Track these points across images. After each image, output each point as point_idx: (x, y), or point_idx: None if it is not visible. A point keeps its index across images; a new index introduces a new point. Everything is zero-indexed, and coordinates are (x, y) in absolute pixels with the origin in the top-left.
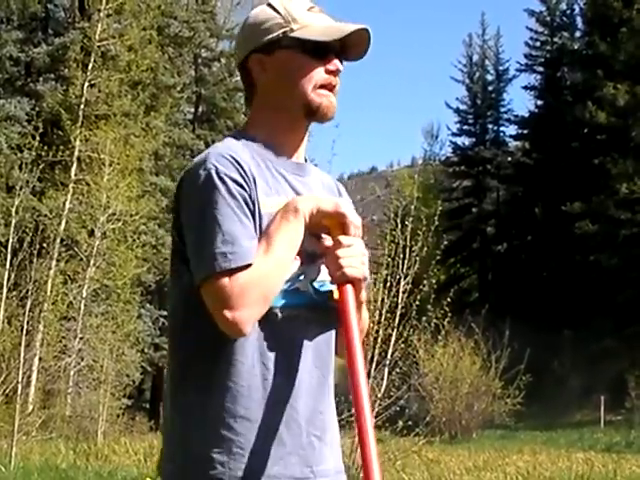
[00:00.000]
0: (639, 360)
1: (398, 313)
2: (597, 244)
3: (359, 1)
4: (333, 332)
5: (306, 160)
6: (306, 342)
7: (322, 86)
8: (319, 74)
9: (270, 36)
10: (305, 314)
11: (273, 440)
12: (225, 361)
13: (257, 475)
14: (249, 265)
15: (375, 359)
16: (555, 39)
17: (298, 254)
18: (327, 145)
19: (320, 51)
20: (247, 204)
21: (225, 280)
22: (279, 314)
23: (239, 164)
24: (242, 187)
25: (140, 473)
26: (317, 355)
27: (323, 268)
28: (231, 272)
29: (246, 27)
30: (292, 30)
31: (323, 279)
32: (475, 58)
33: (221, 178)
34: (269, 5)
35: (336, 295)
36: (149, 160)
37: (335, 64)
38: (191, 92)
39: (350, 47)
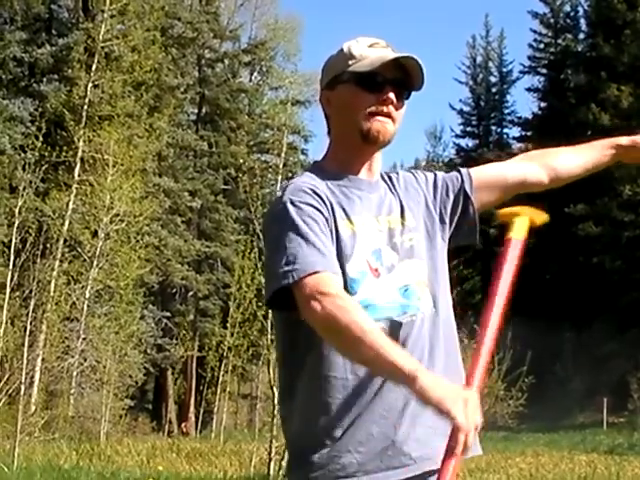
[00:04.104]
0: None
1: None
2: (600, 246)
3: (362, 2)
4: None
5: (389, 175)
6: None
7: (374, 114)
8: (370, 103)
9: (333, 74)
10: (394, 322)
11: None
12: (319, 377)
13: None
14: (315, 272)
15: None
16: (559, 41)
17: (375, 269)
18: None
19: (371, 82)
20: (324, 223)
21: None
22: None
23: (315, 192)
24: (318, 210)
25: (143, 474)
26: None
27: (399, 272)
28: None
29: (322, 69)
30: (348, 66)
31: (405, 283)
32: (479, 60)
33: (296, 206)
34: (340, 48)
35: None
36: (152, 161)
37: (386, 94)
38: (194, 93)
39: (413, 77)
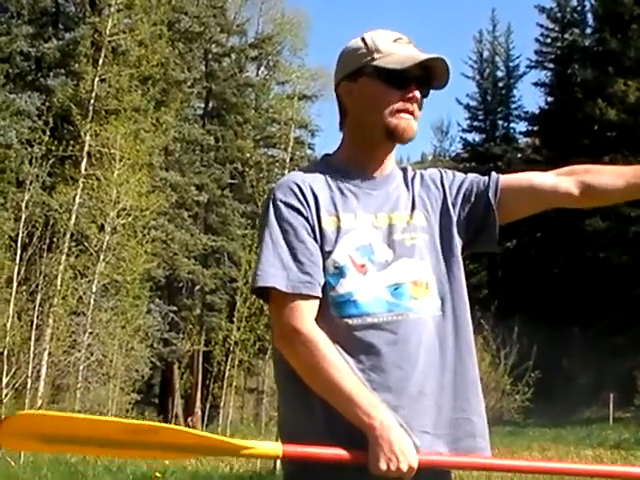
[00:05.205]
0: None
1: None
2: (607, 241)
3: None
4: (422, 331)
5: (404, 170)
6: (385, 346)
7: (399, 111)
8: (396, 100)
9: (356, 65)
10: (377, 320)
11: None
12: None
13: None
14: (272, 288)
15: None
16: (566, 35)
17: (361, 265)
18: (337, 143)
19: (398, 79)
20: (303, 225)
21: (277, 298)
22: (349, 323)
23: (300, 189)
24: (297, 210)
25: (149, 468)
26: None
27: (393, 270)
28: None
29: (340, 57)
30: (374, 59)
31: (397, 282)
32: (485, 54)
33: (276, 205)
34: (361, 38)
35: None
36: (159, 155)
37: (412, 92)
38: (201, 87)
39: (435, 76)
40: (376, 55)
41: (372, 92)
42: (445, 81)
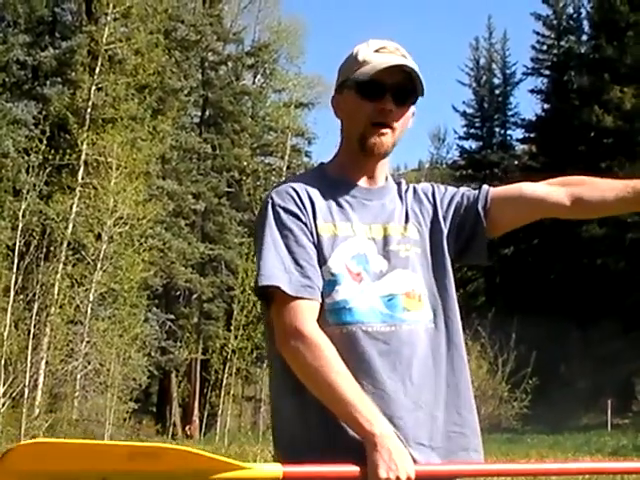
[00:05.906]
0: None
1: None
2: (604, 247)
3: (364, 4)
4: (416, 343)
5: (399, 184)
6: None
7: (374, 123)
8: (369, 112)
9: (341, 78)
10: (370, 329)
11: None
12: None
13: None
14: (276, 286)
15: None
16: (562, 43)
17: (357, 274)
18: (334, 150)
19: (371, 90)
20: (302, 229)
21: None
22: (343, 330)
23: (298, 195)
24: (296, 216)
25: None
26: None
27: (387, 281)
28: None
29: (338, 71)
30: (353, 71)
31: (391, 293)
32: (482, 61)
33: (275, 210)
34: (352, 51)
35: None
36: (156, 164)
37: (385, 102)
38: (198, 95)
39: (417, 85)
40: (355, 67)
41: (349, 104)
42: (420, 88)
